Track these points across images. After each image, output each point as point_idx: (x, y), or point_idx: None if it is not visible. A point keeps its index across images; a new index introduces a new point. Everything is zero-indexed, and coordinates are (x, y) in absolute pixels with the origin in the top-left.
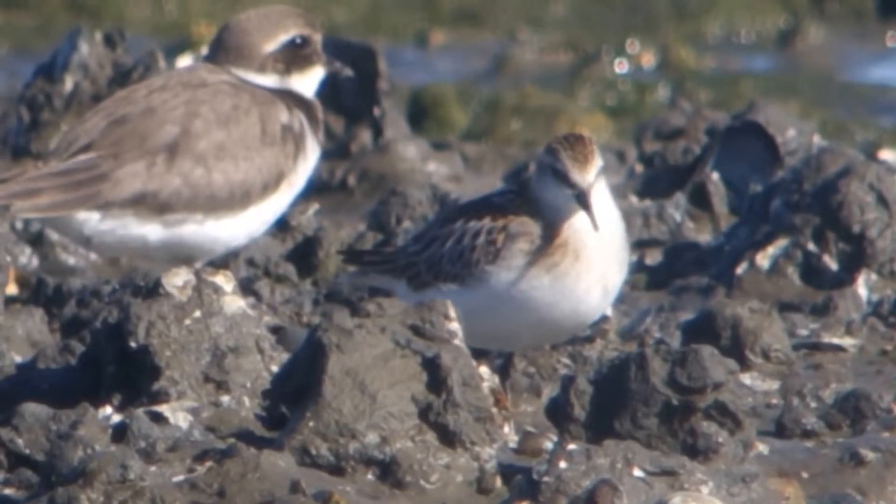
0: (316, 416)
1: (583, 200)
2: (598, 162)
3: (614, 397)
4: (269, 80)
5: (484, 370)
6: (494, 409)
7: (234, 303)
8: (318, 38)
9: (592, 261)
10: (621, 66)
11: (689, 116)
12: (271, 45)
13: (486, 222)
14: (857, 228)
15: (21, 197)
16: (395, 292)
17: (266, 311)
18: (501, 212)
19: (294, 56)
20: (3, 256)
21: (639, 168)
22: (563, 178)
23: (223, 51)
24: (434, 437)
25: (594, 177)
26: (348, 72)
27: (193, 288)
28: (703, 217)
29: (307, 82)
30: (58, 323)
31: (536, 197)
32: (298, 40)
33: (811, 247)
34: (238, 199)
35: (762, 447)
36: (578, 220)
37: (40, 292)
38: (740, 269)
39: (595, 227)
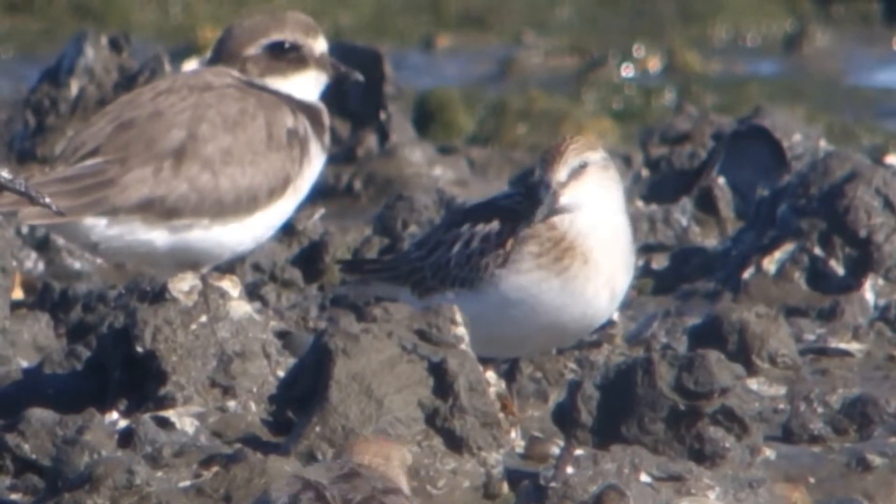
0: (322, 421)
1: (534, 193)
2: (567, 160)
3: (621, 402)
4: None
5: (490, 375)
6: (501, 415)
7: (241, 308)
8: (310, 43)
9: (600, 264)
10: (627, 70)
11: (695, 121)
12: (252, 49)
13: (495, 226)
14: (864, 233)
15: (27, 203)
16: (399, 300)
17: (272, 316)
18: (509, 215)
19: (275, 59)
20: (9, 261)
21: (645, 172)
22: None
23: (217, 53)
24: (440, 443)
25: (564, 176)
26: (358, 76)
27: (199, 293)
28: (710, 222)
29: (292, 86)
30: (64, 328)
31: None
32: (286, 45)
33: (818, 251)
34: (245, 204)
35: (769, 452)
36: (583, 223)
37: (46, 297)
38: (747, 274)
39: (531, 220)
